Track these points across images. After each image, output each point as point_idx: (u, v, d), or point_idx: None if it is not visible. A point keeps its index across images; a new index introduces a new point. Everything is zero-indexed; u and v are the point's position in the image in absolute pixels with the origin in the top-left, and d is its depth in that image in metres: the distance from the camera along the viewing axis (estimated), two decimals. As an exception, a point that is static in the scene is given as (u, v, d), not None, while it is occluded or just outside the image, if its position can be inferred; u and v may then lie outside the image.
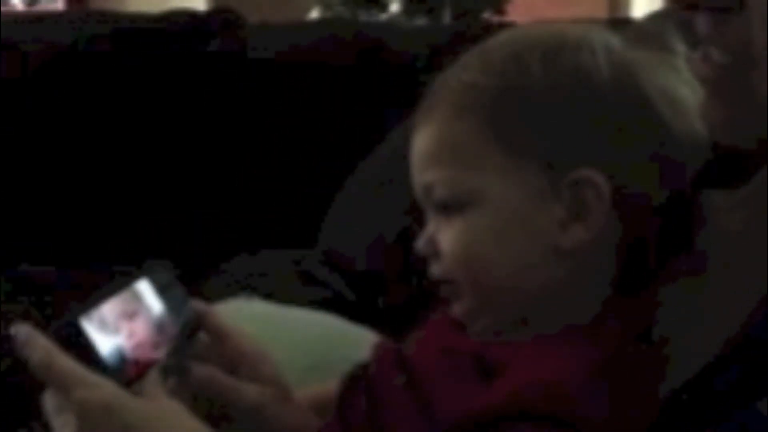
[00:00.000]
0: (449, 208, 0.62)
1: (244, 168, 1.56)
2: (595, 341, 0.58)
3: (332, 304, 1.06)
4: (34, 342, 0.56)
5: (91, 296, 0.61)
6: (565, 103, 0.61)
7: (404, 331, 0.86)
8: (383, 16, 2.78)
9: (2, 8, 3.20)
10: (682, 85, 0.62)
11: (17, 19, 2.34)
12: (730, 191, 0.60)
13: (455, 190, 0.61)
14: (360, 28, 1.75)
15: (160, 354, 0.63)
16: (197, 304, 0.68)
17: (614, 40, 0.63)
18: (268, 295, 1.03)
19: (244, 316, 0.82)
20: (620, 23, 1.44)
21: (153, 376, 0.61)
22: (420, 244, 0.63)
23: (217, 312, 0.69)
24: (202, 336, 0.68)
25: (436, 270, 0.63)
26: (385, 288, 1.13)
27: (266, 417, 0.66)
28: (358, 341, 0.86)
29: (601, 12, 3.54)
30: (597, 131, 0.60)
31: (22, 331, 0.57)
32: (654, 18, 1.18)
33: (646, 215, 0.61)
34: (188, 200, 1.55)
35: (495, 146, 0.61)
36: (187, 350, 0.66)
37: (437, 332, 0.66)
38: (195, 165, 1.56)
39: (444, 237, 0.62)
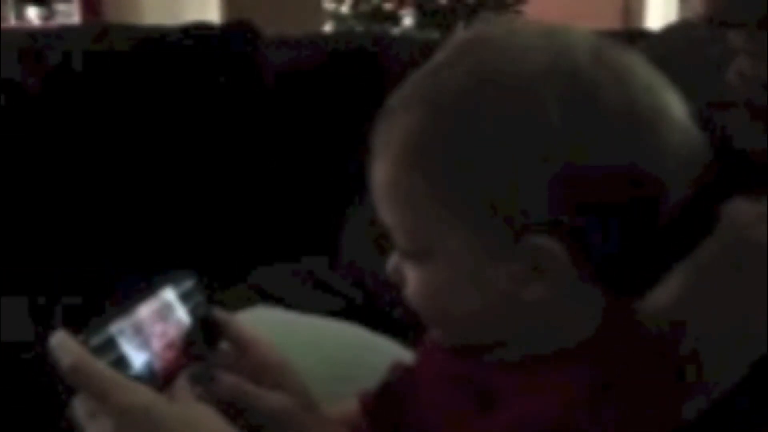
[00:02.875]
0: (407, 256, 0.60)
1: (262, 179, 1.56)
2: (594, 360, 0.57)
3: (349, 314, 1.06)
4: (67, 347, 0.57)
5: (119, 303, 0.62)
6: (514, 151, 0.54)
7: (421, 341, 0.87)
8: (396, 30, 2.80)
9: (19, 22, 3.23)
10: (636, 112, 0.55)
11: (34, 32, 2.37)
12: (758, 200, 0.59)
13: (410, 242, 0.59)
14: (376, 40, 1.75)
15: (187, 361, 0.64)
16: (219, 314, 0.69)
17: (583, 64, 0.55)
18: (285, 305, 1.04)
19: (265, 324, 0.82)
20: (636, 35, 1.44)
21: (181, 383, 0.61)
22: (388, 270, 0.62)
23: (239, 321, 0.69)
24: (224, 345, 0.69)
25: (407, 295, 0.62)
26: (401, 298, 1.13)
27: (291, 427, 0.66)
28: (381, 351, 0.86)
29: (615, 25, 3.54)
30: (551, 187, 0.54)
31: (56, 336, 0.57)
32: (673, 31, 1.18)
33: (624, 236, 0.56)
34: (206, 211, 1.55)
35: (443, 204, 0.57)
36: (212, 359, 0.67)
37: (436, 355, 0.65)
38: (214, 176, 1.57)
39: (407, 276, 0.61)
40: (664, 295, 0.60)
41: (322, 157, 1.55)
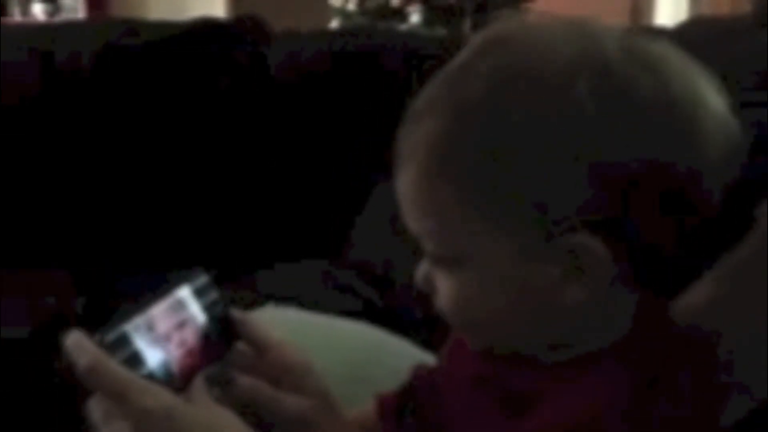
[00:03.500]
0: (439, 263, 0.58)
1: (275, 177, 1.55)
2: (631, 360, 0.55)
3: (364, 315, 1.04)
4: (83, 347, 0.56)
5: (135, 303, 0.60)
6: (551, 150, 0.53)
7: (438, 342, 0.85)
8: (403, 27, 2.78)
9: (24, 17, 3.22)
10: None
11: (40, 28, 2.36)
12: None
13: (443, 250, 0.57)
14: (385, 37, 1.74)
15: (204, 362, 0.62)
16: (236, 313, 0.67)
17: (613, 56, 0.54)
18: (299, 305, 1.02)
19: (279, 324, 0.81)
20: (652, 32, 1.42)
21: (199, 385, 0.60)
22: (418, 279, 0.61)
23: (256, 321, 0.68)
24: (241, 345, 0.67)
25: (436, 305, 0.60)
26: (419, 299, 1.12)
27: (311, 429, 0.64)
28: (398, 352, 0.85)
29: (624, 24, 3.53)
30: (594, 186, 0.53)
31: (71, 336, 0.56)
32: (689, 28, 1.16)
33: (663, 240, 0.55)
34: (219, 209, 1.54)
35: (475, 209, 0.55)
36: (229, 359, 0.66)
37: (463, 357, 0.64)
38: (220, 173, 1.55)
39: (438, 284, 0.59)
40: (696, 297, 0.59)
41: (329, 155, 1.54)
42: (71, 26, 2.13)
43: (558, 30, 0.57)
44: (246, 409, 0.62)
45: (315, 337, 0.81)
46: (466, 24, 2.78)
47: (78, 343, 0.56)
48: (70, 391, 0.57)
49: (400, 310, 1.13)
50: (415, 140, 0.57)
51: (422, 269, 0.60)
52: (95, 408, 0.56)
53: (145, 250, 1.51)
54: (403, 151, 0.58)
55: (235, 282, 1.24)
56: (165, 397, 0.56)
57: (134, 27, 1.74)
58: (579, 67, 0.54)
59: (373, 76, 1.58)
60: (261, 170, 1.56)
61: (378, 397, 0.70)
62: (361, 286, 1.18)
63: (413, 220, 0.58)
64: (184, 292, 0.64)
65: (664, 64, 0.55)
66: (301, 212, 1.52)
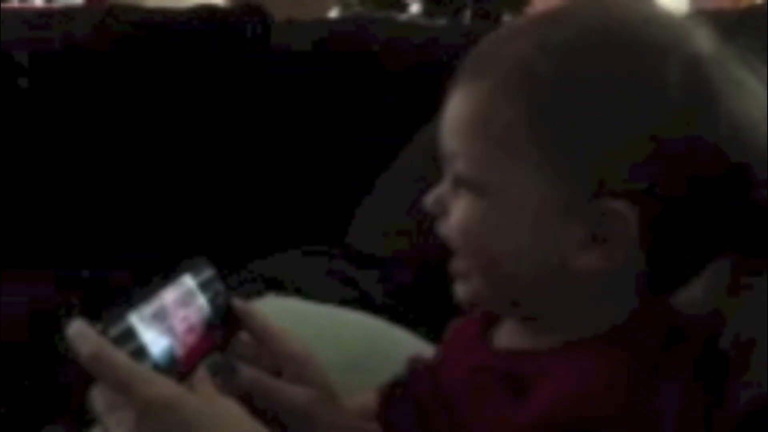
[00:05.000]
0: (466, 185, 0.58)
1: (275, 165, 1.54)
2: (626, 348, 0.56)
3: (361, 304, 1.04)
4: (86, 336, 0.55)
5: (138, 292, 0.60)
6: (624, 120, 0.54)
7: (437, 331, 0.85)
8: (403, 17, 2.77)
9: (22, 4, 3.20)
10: (753, 108, 0.56)
11: (39, 14, 2.34)
12: None
13: (477, 173, 0.57)
14: (387, 25, 1.73)
15: (207, 350, 0.62)
16: (239, 303, 0.67)
17: (702, 49, 0.57)
18: (297, 293, 1.02)
19: (278, 313, 0.81)
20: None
21: (201, 374, 0.60)
22: (429, 200, 0.61)
23: (258, 311, 0.67)
24: (243, 335, 0.67)
25: (443, 230, 0.60)
26: (415, 288, 1.12)
27: (313, 420, 0.64)
28: (397, 341, 0.85)
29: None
30: (651, 159, 0.54)
31: (74, 325, 0.56)
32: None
33: (683, 223, 0.56)
34: (216, 197, 1.54)
35: (530, 143, 0.56)
36: (231, 349, 0.66)
37: (465, 345, 0.65)
38: (225, 161, 1.55)
39: (454, 209, 0.59)
40: (698, 287, 0.59)
41: (331, 143, 1.53)
42: (70, 12, 2.12)
43: (657, 9, 0.59)
44: (247, 398, 0.62)
45: (315, 327, 0.81)
46: (467, 15, 2.78)
47: (81, 332, 0.56)
48: (72, 386, 0.57)
49: (395, 300, 1.13)
50: (497, 57, 0.58)
51: (437, 191, 0.60)
52: (99, 397, 0.56)
53: (143, 237, 1.50)
54: (477, 65, 0.58)
55: (234, 270, 1.24)
56: (169, 387, 0.56)
57: (133, 13, 1.74)
58: (674, 50, 0.56)
59: (373, 65, 1.57)
60: (261, 158, 1.55)
61: (379, 388, 0.70)
62: (360, 276, 1.18)
63: (458, 136, 0.58)
64: (188, 281, 0.64)
65: (736, 61, 0.58)
66: (301, 201, 1.52)
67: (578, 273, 0.56)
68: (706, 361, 0.56)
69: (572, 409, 0.53)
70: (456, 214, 0.59)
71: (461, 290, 0.61)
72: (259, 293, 0.95)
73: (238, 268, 1.26)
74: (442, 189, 0.60)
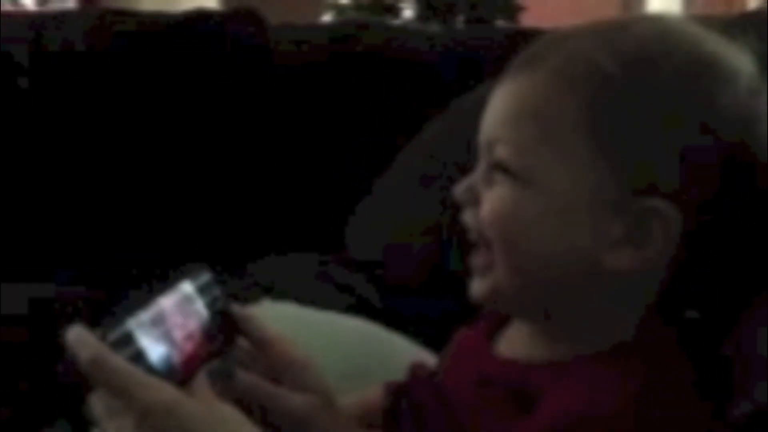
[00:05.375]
0: (505, 172, 0.58)
1: (267, 169, 1.54)
2: (630, 366, 0.55)
3: (358, 310, 1.04)
4: (85, 341, 0.55)
5: (136, 298, 0.60)
6: (679, 126, 0.56)
7: (433, 338, 0.85)
8: (397, 22, 2.78)
9: (14, 6, 3.19)
10: None
11: (31, 18, 2.33)
12: None
13: (519, 160, 0.57)
14: (383, 30, 1.73)
15: (206, 356, 0.62)
16: (237, 309, 0.67)
17: (755, 74, 0.59)
18: (292, 299, 1.02)
19: (277, 319, 0.81)
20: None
21: (201, 380, 0.59)
22: (460, 188, 0.60)
23: (257, 317, 0.67)
24: (242, 341, 0.67)
25: (468, 218, 0.60)
26: (415, 294, 1.12)
27: (312, 426, 0.64)
28: (395, 348, 0.85)
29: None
30: (697, 167, 0.56)
31: (73, 331, 0.55)
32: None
33: (709, 246, 0.57)
34: (213, 202, 1.53)
35: (585, 136, 0.56)
36: (230, 355, 0.65)
37: (470, 356, 0.64)
38: (220, 165, 1.54)
39: (488, 197, 0.59)
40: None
41: (327, 147, 1.53)
42: (62, 16, 2.11)
43: (714, 37, 0.61)
44: (246, 404, 0.62)
45: (313, 333, 0.81)
46: (460, 20, 2.78)
47: (80, 338, 0.55)
48: (72, 386, 0.56)
49: (392, 306, 1.13)
50: (556, 51, 0.59)
51: (469, 180, 0.60)
52: (98, 403, 0.56)
53: (139, 242, 1.50)
54: (531, 60, 0.59)
55: (230, 275, 1.23)
56: (169, 392, 0.55)
57: (126, 17, 1.73)
58: (729, 68, 0.58)
59: (369, 69, 1.57)
60: (256, 162, 1.55)
61: (386, 385, 0.70)
62: (357, 282, 1.17)
63: (504, 124, 0.59)
64: (187, 287, 0.63)
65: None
66: (296, 205, 1.51)
67: (606, 273, 0.56)
68: (709, 368, 0.56)
69: (578, 427, 0.53)
70: (491, 202, 0.58)
71: (479, 286, 0.60)
72: (254, 299, 0.95)
73: (233, 273, 1.26)
74: (473, 178, 0.60)
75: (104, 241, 1.50)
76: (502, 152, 0.58)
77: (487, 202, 0.59)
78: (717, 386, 0.56)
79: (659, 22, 0.61)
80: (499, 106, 0.60)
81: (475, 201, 0.59)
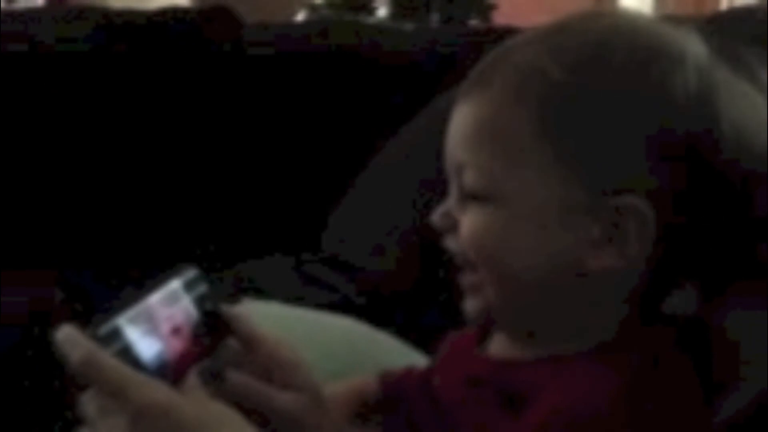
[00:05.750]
0: (476, 197, 0.58)
1: (245, 169, 1.53)
2: (618, 362, 0.56)
3: (339, 309, 1.04)
4: (76, 341, 0.54)
5: (125, 297, 0.59)
6: (637, 120, 0.56)
7: (417, 335, 0.85)
8: (371, 20, 2.77)
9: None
10: (752, 118, 0.58)
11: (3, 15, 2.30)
12: None
13: (487, 182, 0.58)
14: (357, 28, 1.73)
15: (196, 357, 0.62)
16: (227, 309, 0.66)
17: (704, 54, 0.58)
18: (274, 298, 1.01)
19: (262, 318, 0.80)
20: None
21: (192, 380, 0.59)
22: (436, 216, 0.61)
23: (247, 317, 0.67)
24: (233, 341, 0.66)
25: (450, 244, 0.60)
26: (396, 292, 1.12)
27: (302, 425, 0.64)
28: (383, 347, 0.85)
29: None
30: (663, 158, 0.56)
31: (63, 330, 0.55)
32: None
33: (688, 241, 0.57)
34: (192, 203, 1.52)
35: (545, 145, 0.56)
36: (219, 354, 0.65)
37: (460, 357, 0.64)
38: (191, 167, 1.53)
39: (464, 222, 0.59)
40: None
41: (309, 148, 1.53)
42: (31, 14, 2.08)
43: (657, 22, 0.62)
44: (236, 404, 0.61)
45: (299, 332, 0.80)
46: (434, 19, 2.79)
47: (70, 337, 0.55)
48: (62, 386, 0.56)
49: (373, 304, 1.13)
50: (504, 66, 0.58)
51: (444, 207, 0.60)
52: (89, 403, 0.55)
53: (119, 244, 1.48)
54: (482, 77, 0.59)
55: (209, 275, 1.22)
56: (163, 392, 0.55)
57: (97, 14, 1.71)
58: (682, 57, 0.57)
59: (345, 68, 1.57)
60: (231, 163, 1.54)
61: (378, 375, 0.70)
62: (339, 281, 1.17)
63: (463, 147, 0.59)
64: (175, 286, 0.63)
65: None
66: (274, 205, 1.51)
67: (591, 274, 0.57)
68: (702, 363, 0.57)
69: (571, 425, 0.53)
70: (467, 227, 0.59)
71: (472, 306, 0.60)
72: (235, 298, 0.94)
73: (212, 275, 1.25)
74: (448, 204, 0.60)
75: (82, 243, 1.48)
76: (468, 178, 0.58)
77: (464, 227, 0.59)
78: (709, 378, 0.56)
79: (599, 18, 0.61)
80: (458, 128, 0.60)
81: (453, 226, 0.60)
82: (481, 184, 0.58)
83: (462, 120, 0.59)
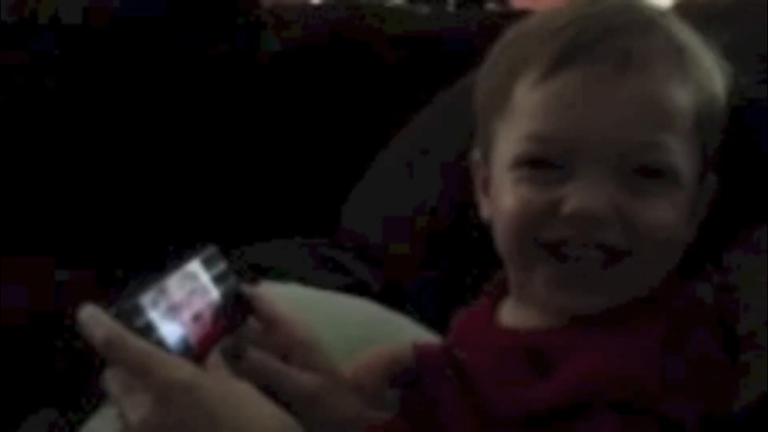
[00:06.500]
0: (650, 175, 0.59)
1: (261, 154, 1.53)
2: (649, 321, 0.57)
3: (354, 291, 1.04)
4: (99, 320, 0.55)
5: (147, 279, 0.60)
6: (725, 98, 0.63)
7: (431, 316, 0.86)
8: (389, 4, 2.76)
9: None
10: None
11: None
12: None
13: (668, 161, 0.59)
14: (374, 11, 1.72)
15: (218, 336, 0.62)
16: (248, 288, 0.67)
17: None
18: (291, 280, 1.02)
19: (280, 299, 0.81)
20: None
21: (216, 358, 0.59)
22: (605, 206, 0.58)
23: (268, 296, 0.67)
24: (252, 321, 0.67)
25: (611, 235, 0.58)
26: (409, 273, 1.12)
27: (320, 405, 0.65)
28: (399, 328, 0.85)
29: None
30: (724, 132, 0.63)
31: (87, 310, 0.55)
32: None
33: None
34: (204, 187, 1.52)
35: (694, 123, 0.60)
36: (240, 334, 0.66)
37: (479, 332, 0.65)
38: (210, 153, 1.53)
39: (647, 207, 0.58)
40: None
41: (320, 131, 1.53)
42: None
43: None
44: (256, 382, 0.62)
45: (317, 313, 0.81)
46: (450, 3, 2.77)
47: (93, 317, 0.55)
48: (84, 363, 0.56)
49: (388, 285, 1.13)
50: (646, 37, 0.61)
51: (606, 195, 0.58)
52: (113, 380, 0.56)
53: (135, 227, 1.49)
54: (634, 58, 0.60)
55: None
56: (187, 369, 0.56)
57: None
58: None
59: (363, 51, 1.56)
60: (247, 148, 1.54)
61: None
62: (353, 264, 1.17)
63: (637, 128, 0.59)
64: (196, 267, 0.64)
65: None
66: (290, 190, 1.51)
67: (682, 248, 0.62)
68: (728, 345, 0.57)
69: (599, 385, 0.53)
70: (654, 212, 0.59)
71: (600, 302, 0.59)
72: (252, 280, 0.95)
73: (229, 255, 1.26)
74: (609, 191, 0.58)
75: (95, 230, 1.49)
76: (649, 158, 0.59)
77: (648, 211, 0.58)
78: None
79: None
80: (629, 109, 0.59)
81: (623, 214, 0.58)
82: (663, 162, 0.59)
83: (632, 100, 0.59)
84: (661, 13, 0.64)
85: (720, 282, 0.63)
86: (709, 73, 0.62)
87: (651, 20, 0.62)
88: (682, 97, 0.60)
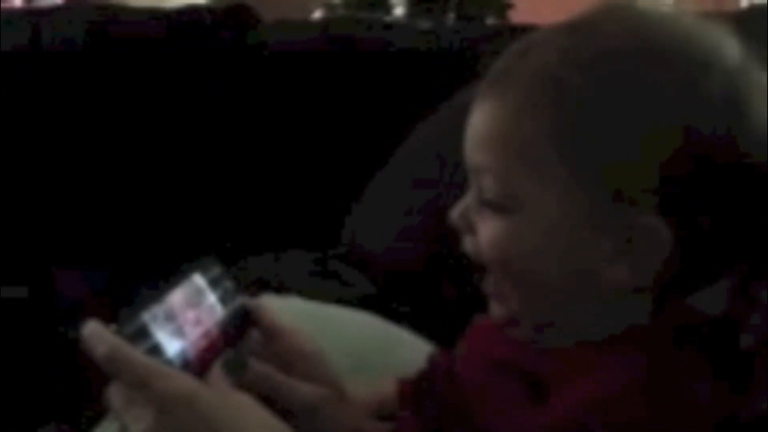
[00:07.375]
0: (493, 204, 0.58)
1: (264, 166, 1.54)
2: (642, 347, 0.56)
3: (355, 303, 1.05)
4: (101, 336, 0.55)
5: (149, 293, 0.60)
6: (655, 128, 0.53)
7: (438, 331, 0.86)
8: (388, 19, 2.77)
9: (3, 3, 3.17)
10: None
11: (20, 14, 2.31)
12: None
13: (504, 190, 0.56)
14: (374, 26, 1.73)
15: (220, 349, 0.62)
16: (250, 301, 0.67)
17: (734, 52, 0.56)
18: (294, 294, 1.02)
19: (282, 312, 0.81)
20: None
21: (217, 372, 0.60)
22: (454, 215, 0.60)
23: (270, 309, 0.68)
24: (254, 333, 0.67)
25: (468, 245, 0.60)
26: (414, 287, 1.12)
27: (322, 418, 0.65)
28: (402, 342, 0.85)
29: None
30: (683, 166, 0.53)
31: (89, 326, 0.56)
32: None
33: (712, 241, 0.56)
34: (208, 199, 1.53)
35: (560, 156, 0.54)
36: (243, 346, 0.66)
37: (483, 341, 0.65)
38: (216, 162, 1.54)
39: (482, 228, 0.58)
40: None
41: (322, 144, 1.53)
42: (53, 12, 2.09)
43: (685, 19, 0.58)
44: (258, 395, 0.62)
45: (318, 327, 0.81)
46: (450, 17, 2.79)
47: (95, 332, 0.56)
48: (87, 378, 0.57)
49: (391, 300, 1.13)
50: (521, 69, 0.57)
51: (462, 206, 0.59)
52: (116, 395, 0.56)
53: (137, 238, 1.49)
54: (499, 79, 0.58)
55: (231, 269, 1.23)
56: (188, 383, 0.56)
57: (116, 13, 1.72)
58: (711, 62, 0.54)
59: (363, 66, 1.57)
60: (250, 160, 1.55)
61: (399, 381, 0.71)
62: (356, 277, 1.18)
63: (479, 153, 0.58)
64: (199, 280, 0.64)
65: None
66: (293, 203, 1.52)
67: (605, 286, 0.56)
68: (726, 360, 0.57)
69: (592, 414, 0.53)
70: (485, 235, 0.58)
71: (498, 310, 0.61)
72: (255, 292, 0.95)
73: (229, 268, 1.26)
74: (467, 202, 0.60)
75: (94, 230, 1.49)
76: (485, 184, 0.58)
77: (482, 234, 0.59)
78: (733, 380, 0.56)
79: (618, 13, 0.58)
80: (476, 130, 0.58)
81: (471, 228, 0.59)
82: (498, 193, 0.57)
83: (480, 122, 0.58)
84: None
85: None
86: (603, 107, 0.54)
87: (552, 44, 0.56)
88: (533, 128, 0.55)
